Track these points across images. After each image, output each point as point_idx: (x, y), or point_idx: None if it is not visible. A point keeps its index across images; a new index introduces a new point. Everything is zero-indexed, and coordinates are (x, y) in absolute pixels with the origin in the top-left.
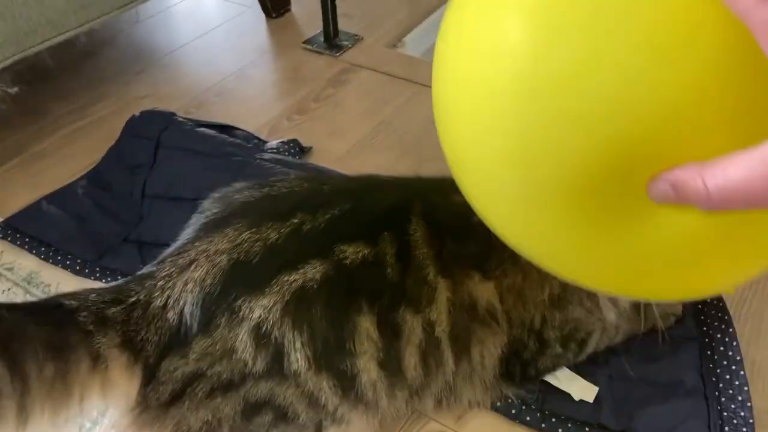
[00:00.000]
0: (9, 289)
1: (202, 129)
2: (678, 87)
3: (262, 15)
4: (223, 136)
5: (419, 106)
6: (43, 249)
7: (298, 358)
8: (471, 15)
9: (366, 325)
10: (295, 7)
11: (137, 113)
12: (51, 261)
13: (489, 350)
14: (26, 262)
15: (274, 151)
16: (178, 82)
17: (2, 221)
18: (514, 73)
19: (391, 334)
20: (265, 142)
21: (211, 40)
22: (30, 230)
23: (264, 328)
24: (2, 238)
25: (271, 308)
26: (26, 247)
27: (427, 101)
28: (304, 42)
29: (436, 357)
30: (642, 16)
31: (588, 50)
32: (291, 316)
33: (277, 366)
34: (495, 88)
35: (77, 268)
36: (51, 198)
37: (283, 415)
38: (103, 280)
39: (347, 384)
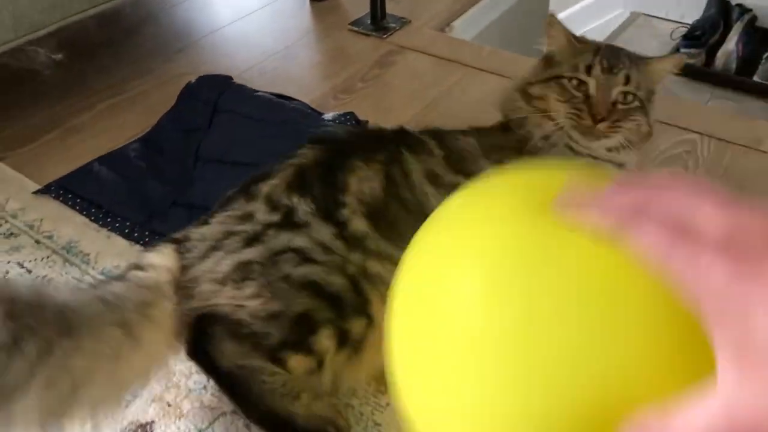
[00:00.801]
0: (48, 257)
1: (261, 93)
2: (624, 354)
3: None
4: (283, 101)
5: (467, 88)
6: (93, 210)
7: (305, 211)
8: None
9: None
10: None
11: (193, 79)
12: (100, 222)
13: None
14: (66, 230)
15: (331, 122)
16: (219, 62)
17: (54, 181)
18: (464, 332)
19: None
20: (321, 113)
21: (254, 21)
22: (81, 191)
23: (274, 197)
24: (54, 197)
25: (277, 184)
26: (77, 207)
27: (475, 83)
28: (351, 23)
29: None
30: (588, 297)
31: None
32: (294, 186)
33: (289, 220)
34: (445, 348)
35: (126, 231)
36: (103, 160)
37: (304, 257)
38: (151, 244)
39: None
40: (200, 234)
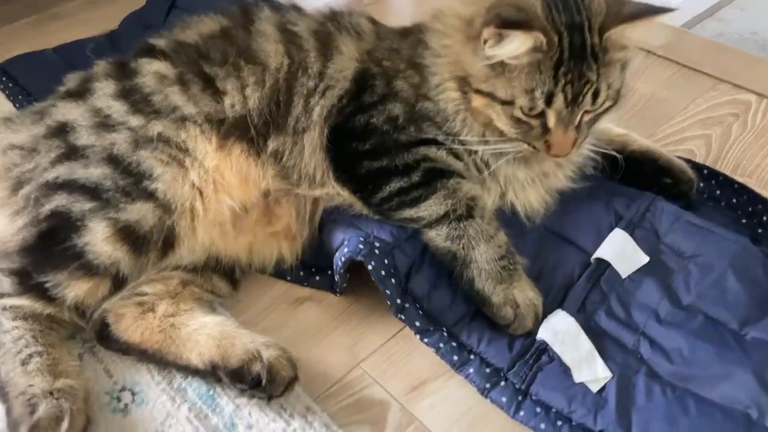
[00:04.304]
0: None
1: None
2: None
3: None
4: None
5: None
6: (20, 98)
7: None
8: None
9: None
10: None
11: None
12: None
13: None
14: None
15: None
16: None
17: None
18: None
19: None
20: None
21: None
22: (19, 77)
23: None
24: None
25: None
26: (7, 92)
27: None
28: None
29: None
30: None
31: None
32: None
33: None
34: None
35: None
36: (59, 49)
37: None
38: None
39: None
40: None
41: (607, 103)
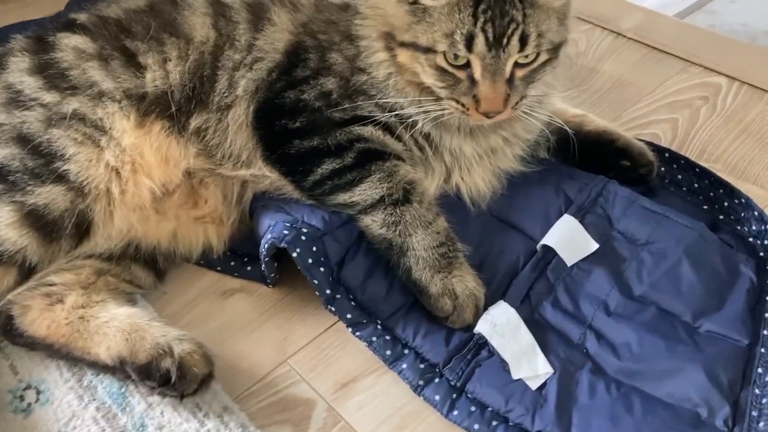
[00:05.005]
0: None
1: None
2: None
3: None
4: None
5: None
6: None
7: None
8: None
9: None
10: None
11: None
12: None
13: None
14: None
15: None
16: None
17: None
18: None
19: None
20: None
21: None
22: None
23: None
24: None
25: None
26: None
27: None
28: None
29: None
30: None
31: None
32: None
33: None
34: None
35: None
36: (13, 27)
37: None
38: None
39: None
40: None
41: (543, 56)
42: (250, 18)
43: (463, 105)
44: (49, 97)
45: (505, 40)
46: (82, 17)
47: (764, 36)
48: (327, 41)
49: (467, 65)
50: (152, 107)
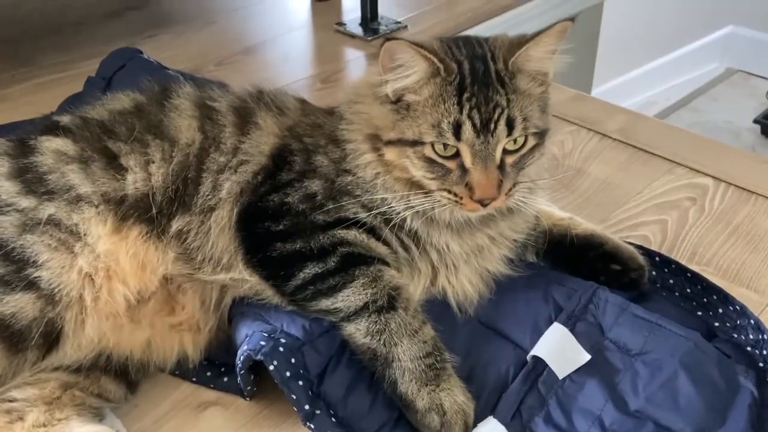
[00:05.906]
0: None
1: (169, 71)
2: None
3: None
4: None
5: None
6: None
7: None
8: None
9: None
10: None
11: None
12: None
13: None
14: None
15: None
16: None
17: None
18: None
19: None
20: None
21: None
22: None
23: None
24: None
25: None
26: None
27: None
28: (338, 24)
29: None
30: None
31: None
32: None
33: None
34: None
35: None
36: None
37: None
38: None
39: None
40: None
41: (531, 141)
42: (237, 121)
43: (455, 194)
44: (26, 202)
45: (492, 125)
46: (65, 119)
47: (748, 133)
48: (312, 144)
49: (456, 154)
50: (131, 211)
